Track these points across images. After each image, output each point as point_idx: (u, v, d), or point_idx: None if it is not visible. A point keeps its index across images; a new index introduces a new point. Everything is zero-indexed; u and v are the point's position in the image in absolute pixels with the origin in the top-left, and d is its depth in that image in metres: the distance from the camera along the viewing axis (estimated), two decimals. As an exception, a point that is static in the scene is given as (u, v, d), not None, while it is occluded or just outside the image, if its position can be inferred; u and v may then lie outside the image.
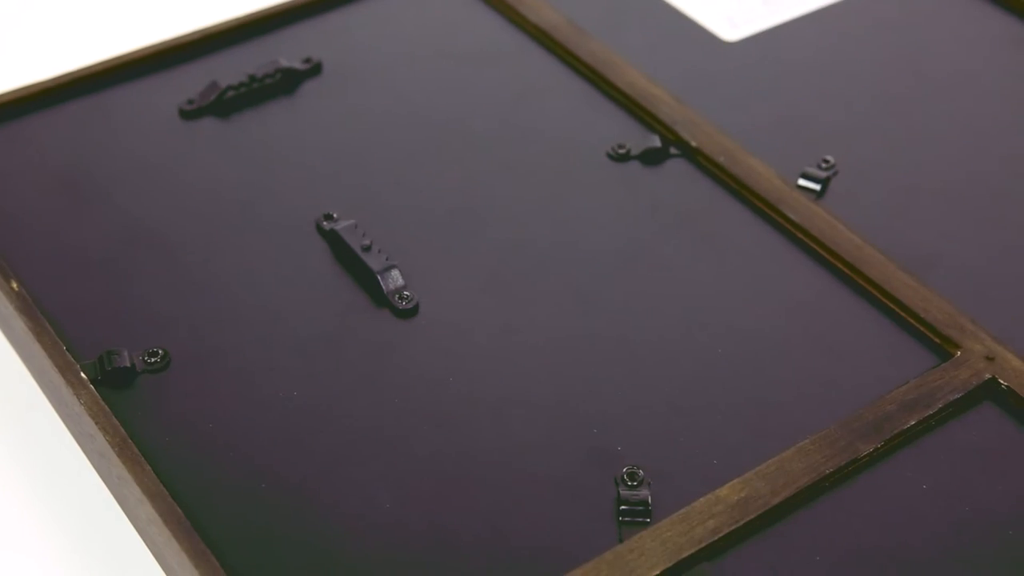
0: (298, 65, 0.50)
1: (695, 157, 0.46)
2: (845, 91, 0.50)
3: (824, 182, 0.45)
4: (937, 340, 0.40)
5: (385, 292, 0.41)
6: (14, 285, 0.41)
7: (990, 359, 0.39)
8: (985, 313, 0.41)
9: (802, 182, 0.45)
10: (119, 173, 0.46)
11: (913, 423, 0.37)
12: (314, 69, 0.51)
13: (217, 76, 0.49)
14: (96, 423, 0.37)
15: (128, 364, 0.39)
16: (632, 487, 0.36)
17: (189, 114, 0.48)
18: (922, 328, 0.40)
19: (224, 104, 0.49)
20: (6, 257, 0.42)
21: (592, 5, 0.54)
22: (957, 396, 0.38)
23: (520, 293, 0.42)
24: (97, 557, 0.38)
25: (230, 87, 0.49)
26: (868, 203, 0.45)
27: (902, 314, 0.41)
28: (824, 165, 0.46)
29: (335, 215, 0.44)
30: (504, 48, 0.52)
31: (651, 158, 0.47)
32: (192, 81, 0.50)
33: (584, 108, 0.49)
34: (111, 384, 0.38)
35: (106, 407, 0.37)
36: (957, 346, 0.39)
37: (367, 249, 0.42)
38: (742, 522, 0.35)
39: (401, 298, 0.41)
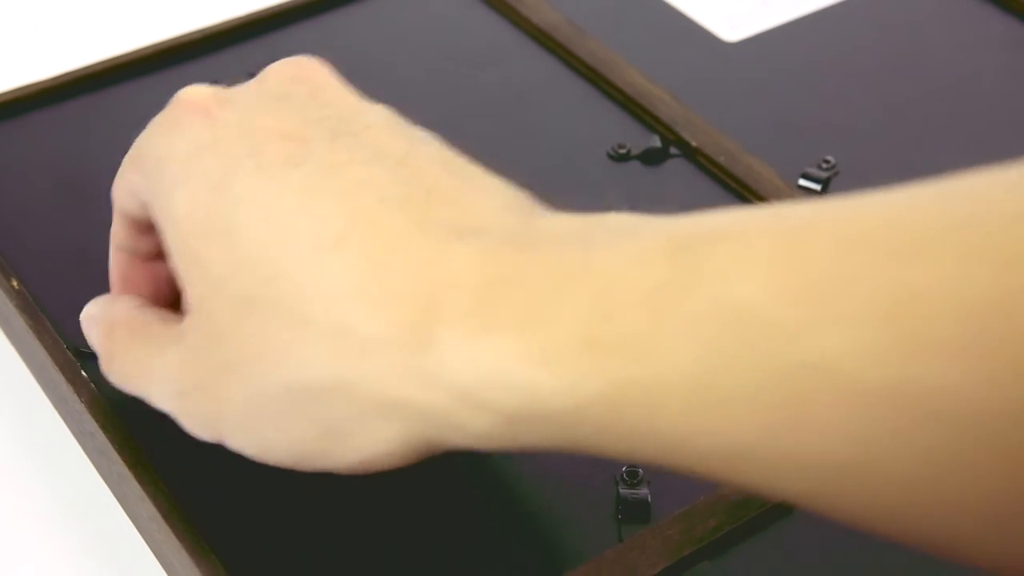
0: (298, 65, 0.50)
1: (695, 157, 0.46)
2: (846, 91, 0.50)
3: (825, 182, 0.45)
4: (938, 339, 0.40)
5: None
6: (14, 283, 0.41)
7: (991, 358, 0.39)
8: (986, 313, 0.41)
9: (803, 182, 0.45)
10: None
11: (914, 422, 0.37)
12: (314, 69, 0.50)
13: (217, 76, 0.49)
14: (97, 421, 0.37)
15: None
16: (632, 486, 0.36)
17: (189, 113, 0.48)
18: (923, 328, 0.40)
19: (224, 103, 0.49)
20: (6, 255, 0.42)
21: (592, 5, 0.54)
22: (958, 395, 0.38)
23: (520, 292, 0.42)
24: (97, 555, 0.38)
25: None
26: (868, 203, 0.45)
27: (902, 314, 0.41)
28: (825, 165, 0.46)
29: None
30: (504, 48, 0.52)
31: (651, 158, 0.47)
32: (193, 81, 0.49)
33: (584, 108, 0.49)
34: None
35: (107, 405, 0.37)
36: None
37: (367, 248, 0.42)
38: (743, 520, 0.35)
39: (401, 297, 0.41)
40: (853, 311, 0.23)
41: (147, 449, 0.36)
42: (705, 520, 0.35)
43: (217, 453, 0.37)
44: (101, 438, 0.37)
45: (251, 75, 0.49)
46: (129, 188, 0.34)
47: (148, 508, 0.35)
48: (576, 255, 0.27)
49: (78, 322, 0.40)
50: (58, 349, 0.39)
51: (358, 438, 0.29)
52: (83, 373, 0.38)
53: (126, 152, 0.47)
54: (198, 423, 0.32)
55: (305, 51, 0.51)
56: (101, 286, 0.42)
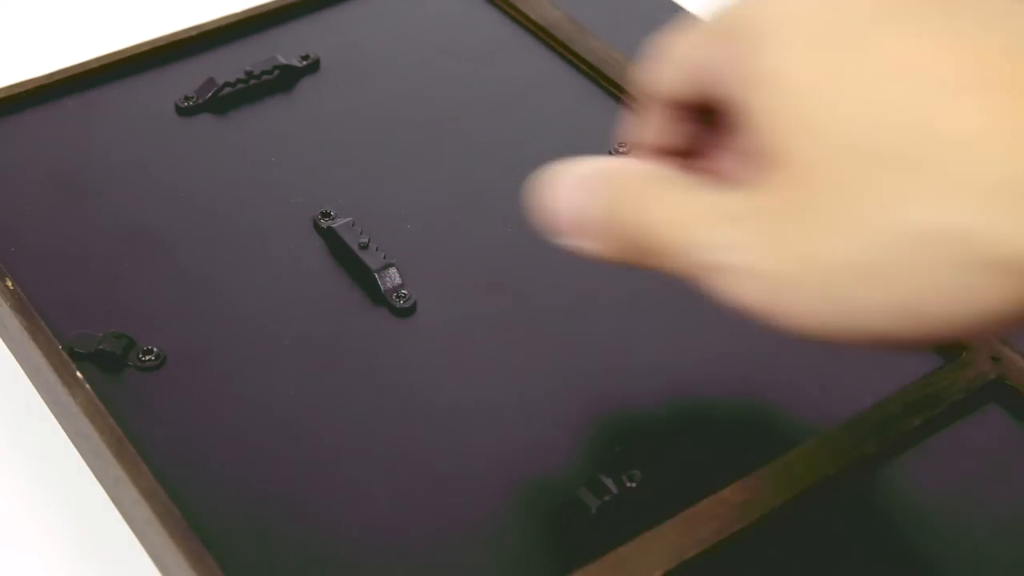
0: (296, 62, 0.50)
1: (697, 155, 0.46)
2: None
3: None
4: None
5: (382, 290, 0.41)
6: (9, 283, 0.40)
7: (996, 359, 0.39)
8: (990, 313, 0.40)
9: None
10: (115, 170, 0.46)
11: (918, 424, 0.37)
12: (312, 66, 0.50)
13: (214, 73, 0.49)
14: (92, 423, 0.36)
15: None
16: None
17: (186, 111, 0.48)
18: (926, 328, 0.40)
19: (221, 101, 0.48)
20: (0, 255, 0.42)
21: (592, 2, 0.54)
22: (962, 397, 0.38)
23: (519, 292, 0.41)
24: (93, 558, 0.38)
25: (227, 83, 0.48)
26: (871, 202, 0.44)
27: (906, 314, 0.40)
28: (827, 163, 0.46)
29: (332, 213, 0.44)
30: (503, 45, 0.52)
31: (652, 156, 0.46)
32: (189, 78, 0.49)
33: (584, 105, 0.49)
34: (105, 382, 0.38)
35: (102, 407, 0.37)
36: (963, 346, 0.39)
37: (364, 247, 0.42)
38: (745, 523, 0.35)
39: (399, 296, 0.41)
40: None
41: (143, 451, 0.36)
42: (707, 523, 0.35)
43: (214, 456, 0.37)
44: (96, 440, 0.36)
45: (249, 72, 0.49)
46: (694, 65, 0.33)
47: (143, 511, 0.35)
48: None
49: (73, 322, 0.40)
50: (53, 350, 0.38)
51: (971, 294, 0.27)
52: (78, 374, 0.38)
53: (123, 149, 0.47)
54: (754, 283, 0.29)
55: (303, 48, 0.51)
56: (97, 285, 0.41)
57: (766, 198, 0.29)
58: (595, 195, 0.33)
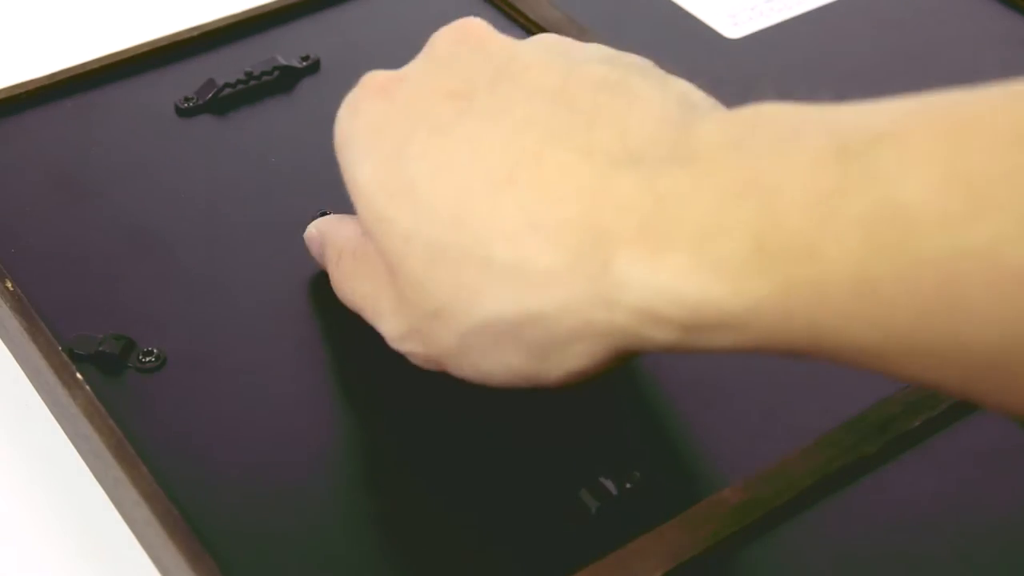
0: (296, 63, 0.50)
1: (697, 155, 0.46)
2: (848, 89, 0.49)
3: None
4: (942, 340, 0.40)
5: (384, 291, 0.41)
6: (8, 284, 0.40)
7: (995, 360, 0.39)
8: (990, 313, 0.40)
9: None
10: (115, 171, 0.46)
11: (918, 424, 0.37)
12: (312, 67, 0.50)
13: (214, 74, 0.49)
14: (92, 424, 0.36)
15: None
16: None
17: (186, 111, 0.48)
18: (926, 328, 0.40)
19: (221, 102, 0.48)
20: (0, 256, 0.42)
21: (592, 2, 0.54)
22: (962, 397, 0.38)
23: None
24: (93, 560, 0.38)
25: (227, 84, 0.48)
26: (871, 202, 0.44)
27: (906, 314, 0.40)
28: (827, 164, 0.46)
29: (332, 213, 0.44)
30: (504, 45, 0.52)
31: (652, 156, 0.46)
32: (189, 79, 0.49)
33: (585, 106, 0.49)
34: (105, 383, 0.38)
35: (102, 408, 0.37)
36: (962, 346, 0.39)
37: (365, 248, 0.42)
38: (745, 524, 0.35)
39: (400, 298, 0.41)
40: (1012, 200, 0.25)
41: (143, 453, 0.36)
42: (706, 524, 0.35)
43: (214, 456, 0.37)
44: (96, 441, 0.36)
45: (249, 72, 0.49)
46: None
47: (144, 512, 0.35)
48: (741, 167, 0.28)
49: (73, 324, 0.40)
50: (53, 351, 0.38)
51: (557, 359, 0.31)
52: (78, 376, 0.38)
53: (122, 150, 0.47)
54: (421, 361, 0.35)
55: (303, 49, 0.51)
56: (97, 286, 0.41)
57: (399, 297, 0.34)
58: (317, 254, 0.40)
